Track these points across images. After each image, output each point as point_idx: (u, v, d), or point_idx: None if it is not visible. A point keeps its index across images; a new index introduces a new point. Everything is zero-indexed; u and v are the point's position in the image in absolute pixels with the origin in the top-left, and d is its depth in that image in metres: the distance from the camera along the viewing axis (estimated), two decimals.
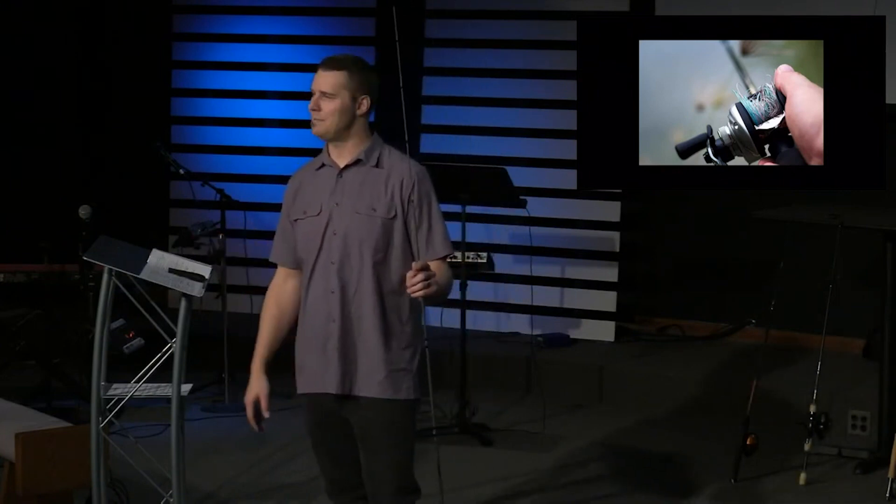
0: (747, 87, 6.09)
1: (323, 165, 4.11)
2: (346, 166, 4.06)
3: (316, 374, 4.08)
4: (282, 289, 4.20)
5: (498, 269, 7.51)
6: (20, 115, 8.49)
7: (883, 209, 6.52)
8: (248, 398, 4.14)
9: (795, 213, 6.43)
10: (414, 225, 4.02)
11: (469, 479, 5.94)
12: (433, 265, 4.01)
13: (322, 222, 4.04)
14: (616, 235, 8.03)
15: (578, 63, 6.43)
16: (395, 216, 4.02)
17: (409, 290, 3.88)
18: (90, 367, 4.07)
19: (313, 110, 4.04)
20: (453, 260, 6.47)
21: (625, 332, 8.12)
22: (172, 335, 3.96)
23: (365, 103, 4.06)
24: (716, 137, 6.12)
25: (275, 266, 4.25)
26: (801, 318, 7.03)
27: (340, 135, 4.06)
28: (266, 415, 4.14)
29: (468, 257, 6.90)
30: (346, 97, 4.03)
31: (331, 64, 4.07)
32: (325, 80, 4.04)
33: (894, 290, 6.10)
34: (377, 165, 4.06)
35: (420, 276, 3.86)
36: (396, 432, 4.06)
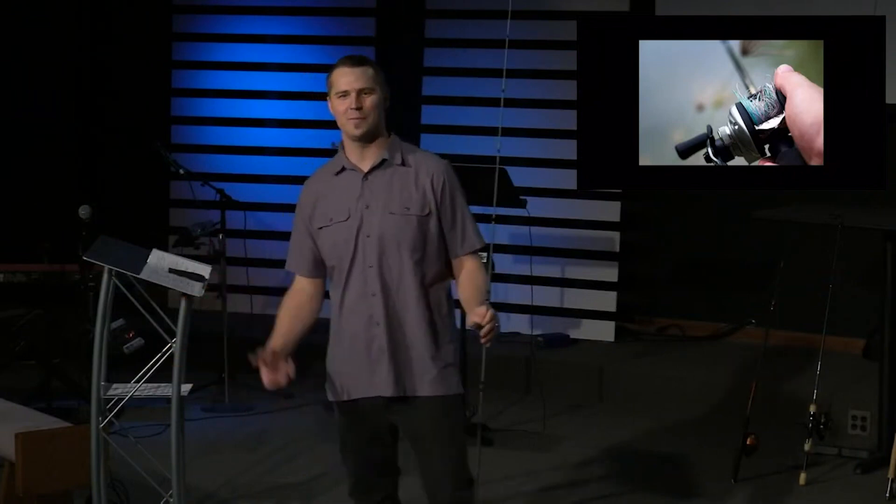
0: (747, 87, 6.09)
1: (343, 170, 4.03)
2: (372, 168, 4.00)
3: (360, 379, 4.02)
4: (301, 293, 4.12)
5: (498, 269, 7.50)
6: (20, 115, 8.48)
7: (883, 209, 6.52)
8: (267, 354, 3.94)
9: (795, 213, 6.43)
10: (448, 220, 4.01)
11: None
12: (470, 261, 4.02)
13: (353, 226, 3.97)
14: (616, 235, 8.03)
15: (578, 63, 6.42)
16: (430, 213, 3.99)
17: (482, 341, 3.79)
18: (90, 367, 4.07)
19: (356, 109, 3.93)
20: None
21: (625, 332, 8.12)
22: (172, 335, 3.96)
23: (387, 98, 4.04)
24: (716, 137, 6.11)
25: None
26: (801, 318, 7.02)
27: (378, 132, 4.00)
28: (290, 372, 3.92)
29: None
30: (380, 91, 4.00)
31: (357, 60, 3.99)
32: (361, 77, 3.96)
33: (894, 290, 6.10)
34: (403, 164, 4.01)
35: (489, 326, 3.76)
36: (450, 428, 4.06)
